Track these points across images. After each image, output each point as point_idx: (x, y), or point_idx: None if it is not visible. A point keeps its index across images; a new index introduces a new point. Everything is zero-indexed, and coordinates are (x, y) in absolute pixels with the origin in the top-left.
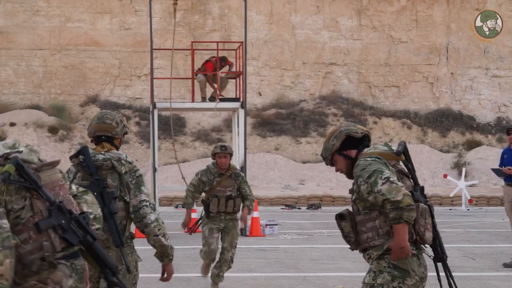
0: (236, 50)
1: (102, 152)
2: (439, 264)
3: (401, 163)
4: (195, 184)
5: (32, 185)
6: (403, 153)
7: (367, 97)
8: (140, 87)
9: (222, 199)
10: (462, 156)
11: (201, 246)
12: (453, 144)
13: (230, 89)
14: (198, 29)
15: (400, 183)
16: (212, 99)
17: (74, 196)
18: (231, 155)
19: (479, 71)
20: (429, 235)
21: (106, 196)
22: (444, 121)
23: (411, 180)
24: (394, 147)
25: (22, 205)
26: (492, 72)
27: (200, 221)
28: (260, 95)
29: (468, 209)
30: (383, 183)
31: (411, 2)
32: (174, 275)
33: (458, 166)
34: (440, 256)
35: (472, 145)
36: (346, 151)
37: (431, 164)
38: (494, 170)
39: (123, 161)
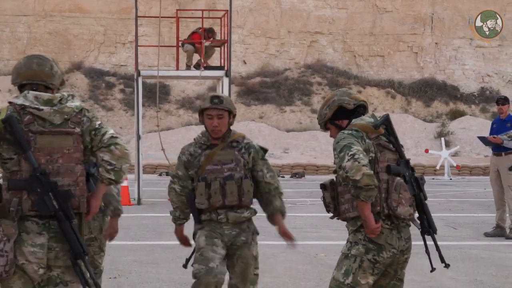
0: (221, 18)
1: None
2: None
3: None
4: (179, 175)
5: (16, 145)
6: (386, 125)
7: (352, 66)
8: (125, 54)
9: (214, 183)
10: (445, 126)
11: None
12: (437, 114)
13: (215, 57)
14: None
15: (364, 161)
16: (197, 67)
17: (101, 148)
18: (230, 112)
19: (464, 41)
20: (402, 209)
21: None
22: (428, 91)
23: (397, 153)
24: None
25: (10, 156)
26: (476, 43)
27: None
28: (245, 63)
29: (451, 179)
30: (348, 159)
31: None
32: (158, 242)
33: (441, 136)
34: (426, 229)
35: (455, 115)
36: (338, 120)
37: (414, 134)
38: (480, 138)
39: None
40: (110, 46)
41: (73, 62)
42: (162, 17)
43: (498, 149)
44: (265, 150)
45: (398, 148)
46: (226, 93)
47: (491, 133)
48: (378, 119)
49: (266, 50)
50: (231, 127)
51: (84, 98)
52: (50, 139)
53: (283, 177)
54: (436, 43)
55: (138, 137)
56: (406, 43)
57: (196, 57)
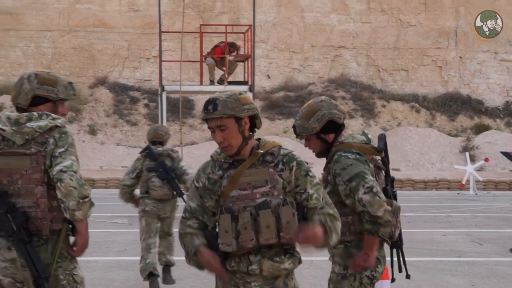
0: (244, 33)
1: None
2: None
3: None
4: (193, 208)
5: None
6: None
7: (376, 80)
8: (149, 69)
9: (243, 214)
10: (470, 140)
11: None
12: (462, 128)
13: (239, 72)
14: (207, 11)
15: (383, 196)
16: (221, 82)
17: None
18: (238, 118)
19: (488, 55)
20: (397, 232)
21: None
22: (452, 105)
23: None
24: (375, 133)
25: None
26: (500, 56)
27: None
28: (269, 78)
29: (476, 194)
30: (365, 192)
31: None
32: (182, 258)
33: (466, 150)
34: (396, 242)
35: (480, 129)
36: (325, 134)
37: (439, 148)
38: (503, 153)
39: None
40: (134, 61)
41: (98, 77)
42: (185, 32)
43: None
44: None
45: (387, 168)
46: None
47: None
48: (369, 136)
49: (289, 65)
50: (260, 135)
51: (109, 113)
52: (9, 160)
53: None
54: (460, 57)
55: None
56: (430, 57)
57: (218, 72)
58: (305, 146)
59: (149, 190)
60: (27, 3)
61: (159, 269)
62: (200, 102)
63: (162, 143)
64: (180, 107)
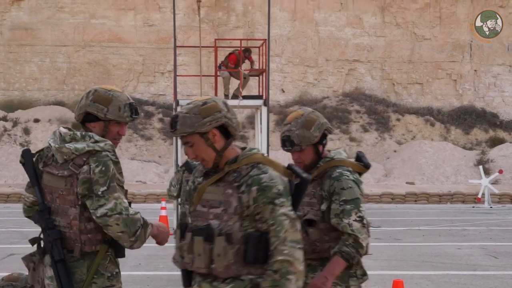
0: (259, 47)
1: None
2: None
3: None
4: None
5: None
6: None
7: (390, 94)
8: (163, 84)
9: (187, 235)
10: (485, 154)
11: None
12: (476, 141)
13: (254, 86)
14: (221, 25)
15: (368, 231)
16: (235, 96)
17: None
18: (201, 133)
19: (503, 68)
20: None
21: None
22: (467, 118)
23: None
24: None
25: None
26: None
27: None
28: (283, 91)
29: (491, 207)
30: (356, 219)
31: None
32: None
33: (481, 163)
34: None
35: (495, 142)
36: (320, 145)
37: (454, 162)
38: None
39: None
40: (149, 75)
41: None
42: (201, 46)
43: None
44: (304, 181)
45: None
46: (264, 122)
47: None
48: (346, 153)
49: (304, 79)
50: (274, 149)
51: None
52: (49, 177)
53: None
54: (475, 70)
55: (177, 166)
56: (445, 70)
57: (232, 86)
58: (295, 158)
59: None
60: (42, 18)
61: None
62: None
63: None
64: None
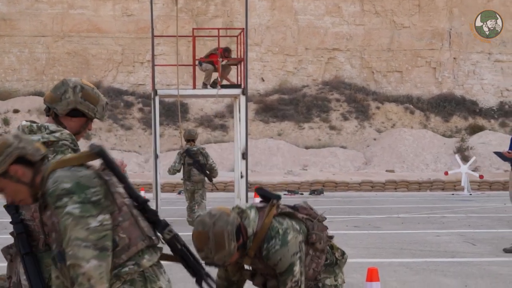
0: (237, 36)
1: None
2: None
3: None
4: None
5: None
6: None
7: (370, 82)
8: (143, 74)
9: None
10: (464, 141)
11: None
12: (456, 129)
13: (233, 75)
14: (200, 15)
15: None
16: (214, 85)
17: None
18: (2, 176)
19: (482, 56)
20: None
21: None
22: (446, 106)
23: None
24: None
25: None
26: (494, 57)
27: None
28: (263, 80)
29: (471, 194)
30: (293, 284)
31: None
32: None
33: (460, 151)
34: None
35: (474, 129)
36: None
37: (433, 149)
38: (496, 153)
39: None
40: (128, 65)
41: (92, 82)
42: (179, 36)
43: None
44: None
45: None
46: (243, 111)
47: (510, 148)
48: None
49: (283, 68)
50: (255, 138)
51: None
52: None
53: (302, 194)
54: (454, 58)
55: (156, 156)
56: (424, 58)
57: (215, 76)
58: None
59: (190, 176)
60: (21, 9)
61: None
62: (194, 105)
63: (194, 141)
64: (178, 111)
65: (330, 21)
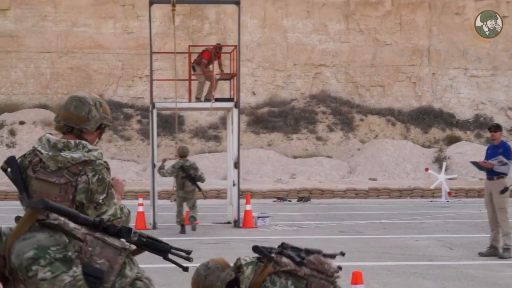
0: (230, 53)
1: None
2: None
3: None
4: None
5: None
6: None
7: (354, 96)
8: (141, 87)
9: None
10: (442, 151)
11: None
12: (434, 139)
13: (226, 89)
14: (196, 32)
15: None
16: (207, 99)
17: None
18: None
19: (459, 71)
20: None
21: None
22: (425, 118)
23: None
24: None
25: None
26: (470, 72)
27: None
28: (254, 94)
29: (448, 201)
30: None
31: (396, 7)
32: (171, 265)
33: (438, 161)
34: None
35: (452, 140)
36: None
37: (413, 159)
38: (472, 162)
39: None
40: (128, 79)
41: None
42: (176, 52)
43: (491, 173)
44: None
45: None
46: (235, 123)
47: (485, 158)
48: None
49: (273, 82)
50: (246, 148)
51: None
52: (41, 184)
53: (290, 201)
54: (433, 73)
55: (153, 165)
56: (405, 73)
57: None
58: None
59: (184, 187)
60: (27, 26)
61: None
62: (189, 117)
63: (186, 157)
64: (176, 123)
65: (317, 39)
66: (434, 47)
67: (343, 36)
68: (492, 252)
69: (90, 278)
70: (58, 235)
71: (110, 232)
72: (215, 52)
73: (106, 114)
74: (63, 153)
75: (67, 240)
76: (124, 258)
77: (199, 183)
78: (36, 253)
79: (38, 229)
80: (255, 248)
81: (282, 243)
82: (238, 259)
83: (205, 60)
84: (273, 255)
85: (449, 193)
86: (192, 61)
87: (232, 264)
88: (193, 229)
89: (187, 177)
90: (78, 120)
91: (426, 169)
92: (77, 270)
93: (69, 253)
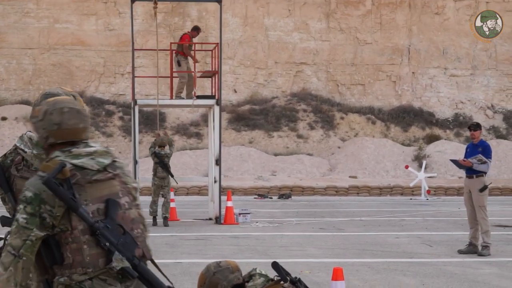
0: (212, 50)
1: None
2: None
3: None
4: None
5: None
6: None
7: (335, 94)
8: (123, 84)
9: None
10: (422, 149)
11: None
12: (414, 138)
13: (207, 87)
14: (177, 30)
15: None
16: (189, 96)
17: None
18: None
19: (438, 70)
20: None
21: None
22: (405, 117)
23: None
24: None
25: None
26: (450, 72)
27: None
28: (236, 92)
29: (427, 199)
30: None
31: (376, 6)
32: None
33: (418, 159)
34: None
35: (431, 139)
36: None
37: (393, 157)
38: (452, 161)
39: None
40: (110, 76)
41: (76, 92)
42: (158, 49)
43: (470, 172)
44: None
45: None
46: (217, 120)
47: (465, 157)
48: None
49: (255, 80)
50: (227, 145)
51: None
52: (25, 182)
53: (271, 198)
54: (413, 73)
55: (135, 162)
56: (385, 72)
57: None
58: None
59: (156, 173)
60: (9, 22)
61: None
62: (171, 114)
63: (164, 147)
64: (157, 120)
65: (298, 37)
66: (414, 47)
67: (324, 34)
68: (471, 249)
69: None
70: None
71: (100, 245)
72: (194, 34)
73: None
74: None
75: None
76: (83, 275)
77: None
78: (28, 197)
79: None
80: (275, 265)
81: (299, 279)
82: (254, 269)
83: (187, 42)
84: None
85: (428, 192)
86: (174, 54)
87: (243, 272)
88: (166, 225)
89: (160, 163)
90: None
91: (406, 167)
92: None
93: (49, 220)
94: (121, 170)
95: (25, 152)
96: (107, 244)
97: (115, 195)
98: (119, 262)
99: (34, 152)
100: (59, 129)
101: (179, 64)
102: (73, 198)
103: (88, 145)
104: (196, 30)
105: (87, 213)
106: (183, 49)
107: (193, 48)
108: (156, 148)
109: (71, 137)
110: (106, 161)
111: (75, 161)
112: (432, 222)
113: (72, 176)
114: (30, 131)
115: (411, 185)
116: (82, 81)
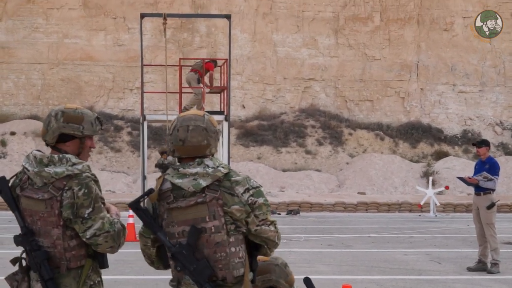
0: (221, 66)
1: None
2: None
3: None
4: None
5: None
6: None
7: (343, 110)
8: (132, 100)
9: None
10: (430, 166)
11: None
12: (423, 154)
13: (216, 102)
14: (186, 46)
15: None
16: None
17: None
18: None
19: (447, 87)
20: None
21: None
22: (414, 133)
23: None
24: None
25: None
26: (458, 88)
27: None
28: (244, 107)
29: (436, 216)
30: None
31: (384, 22)
32: (161, 277)
33: (427, 175)
34: None
35: (440, 155)
36: None
37: (402, 173)
38: (459, 178)
39: None
40: (119, 92)
41: (84, 107)
42: (166, 65)
43: (478, 189)
44: None
45: None
46: (226, 136)
47: (474, 174)
48: None
49: (263, 95)
50: (236, 161)
51: (94, 140)
52: (29, 201)
53: (279, 214)
54: (421, 89)
55: (144, 177)
56: (393, 88)
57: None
58: None
59: None
60: (19, 38)
61: None
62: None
63: (166, 155)
64: (166, 136)
65: (307, 53)
66: (422, 63)
67: (333, 50)
68: (481, 267)
69: None
70: None
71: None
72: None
73: (70, 123)
74: (47, 169)
75: None
76: None
77: None
78: None
79: None
80: (307, 280)
81: None
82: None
83: (212, 70)
84: None
85: (447, 187)
86: (194, 72)
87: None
88: None
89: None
90: (43, 133)
91: (447, 187)
92: None
93: None
94: (226, 189)
95: (29, 170)
96: (178, 268)
97: (200, 220)
98: (187, 286)
99: (36, 170)
100: (183, 145)
101: (199, 81)
102: (152, 222)
103: (203, 163)
104: (214, 62)
105: (165, 237)
106: (203, 74)
107: (202, 88)
108: (160, 158)
109: (194, 153)
110: (205, 183)
111: (177, 181)
112: (440, 239)
113: (166, 197)
114: (36, 150)
115: (422, 203)
116: (91, 96)
